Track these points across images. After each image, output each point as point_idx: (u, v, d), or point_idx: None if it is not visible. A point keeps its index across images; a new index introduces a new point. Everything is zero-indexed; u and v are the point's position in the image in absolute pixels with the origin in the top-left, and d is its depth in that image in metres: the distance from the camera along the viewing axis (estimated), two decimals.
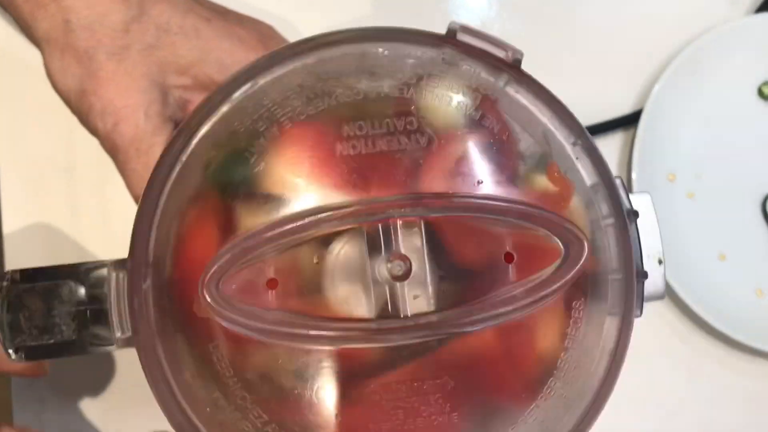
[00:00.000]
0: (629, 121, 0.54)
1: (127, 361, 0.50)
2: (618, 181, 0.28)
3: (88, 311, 0.29)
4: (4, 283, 0.29)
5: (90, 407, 0.50)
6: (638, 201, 0.32)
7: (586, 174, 0.28)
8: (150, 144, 0.36)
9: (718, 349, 0.53)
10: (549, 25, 0.55)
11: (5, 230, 0.51)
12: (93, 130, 0.38)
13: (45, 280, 0.29)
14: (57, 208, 0.51)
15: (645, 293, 0.31)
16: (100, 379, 0.50)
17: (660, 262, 0.32)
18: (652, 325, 0.53)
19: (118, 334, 0.28)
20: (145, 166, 0.37)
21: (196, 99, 0.38)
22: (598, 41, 0.55)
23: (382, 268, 0.25)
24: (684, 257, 0.52)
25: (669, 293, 0.53)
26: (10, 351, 0.29)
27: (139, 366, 0.49)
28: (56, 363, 0.50)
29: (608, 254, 0.28)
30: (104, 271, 0.29)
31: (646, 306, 0.52)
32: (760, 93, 0.55)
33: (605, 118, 0.53)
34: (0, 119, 0.52)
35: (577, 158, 0.28)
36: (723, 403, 0.53)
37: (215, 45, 0.38)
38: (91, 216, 0.51)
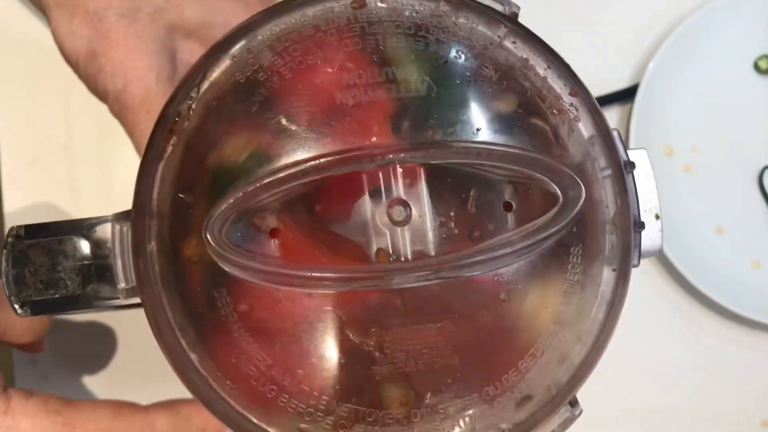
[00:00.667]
0: (626, 96, 0.54)
1: (129, 336, 0.51)
2: (615, 133, 0.29)
3: (92, 266, 0.29)
4: (9, 239, 0.29)
5: (92, 383, 0.51)
6: (635, 156, 0.33)
7: (584, 126, 0.28)
8: (159, 106, 0.37)
9: (715, 322, 0.54)
10: (545, 0, 0.56)
11: (6, 208, 0.51)
12: (102, 92, 0.38)
13: (49, 236, 0.29)
14: (57, 184, 0.52)
15: (642, 248, 0.31)
16: (102, 354, 0.51)
17: (657, 216, 0.32)
18: (650, 297, 0.54)
19: (123, 285, 0.28)
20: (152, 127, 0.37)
21: None
22: (594, 16, 0.56)
23: (383, 214, 0.25)
24: (681, 230, 0.53)
25: (666, 266, 0.53)
26: (16, 306, 0.29)
27: (141, 339, 0.50)
28: (58, 339, 0.50)
29: (605, 204, 0.28)
30: (107, 226, 0.29)
31: (643, 279, 0.53)
32: (756, 67, 0.55)
33: (602, 93, 0.54)
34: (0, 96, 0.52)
35: (574, 109, 0.28)
36: (720, 375, 0.54)
37: (221, 7, 0.38)
38: (90, 192, 0.51)
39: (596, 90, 0.54)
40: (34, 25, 0.52)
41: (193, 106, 0.27)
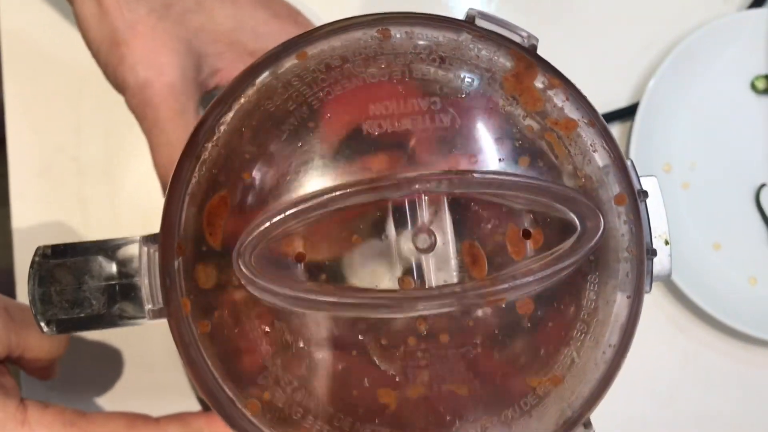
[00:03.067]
0: (626, 114, 0.55)
1: (135, 349, 0.51)
2: (629, 163, 0.30)
3: (117, 286, 0.30)
4: (36, 258, 0.30)
5: (98, 394, 0.51)
6: (645, 184, 0.34)
7: (599, 156, 0.29)
8: (183, 106, 0.36)
9: (713, 337, 0.55)
10: (545, 20, 0.57)
11: (14, 219, 0.51)
12: (120, 84, 0.38)
13: (75, 256, 0.30)
14: (65, 196, 0.52)
15: (653, 272, 0.32)
16: (107, 366, 0.51)
17: (666, 242, 0.33)
18: (649, 312, 0.54)
19: (149, 306, 0.29)
20: (174, 126, 0.37)
21: (228, 67, 0.39)
22: (594, 35, 0.57)
23: (408, 242, 0.26)
24: (679, 246, 0.54)
25: (665, 281, 0.54)
26: (42, 324, 0.30)
27: (146, 353, 0.50)
28: (66, 356, 0.50)
29: (621, 233, 0.29)
30: (133, 247, 0.30)
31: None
32: (753, 87, 0.56)
33: (603, 111, 0.55)
34: (11, 107, 0.52)
35: (591, 139, 0.29)
36: (718, 389, 0.55)
37: (251, 14, 0.38)
38: (98, 203, 0.52)
39: (597, 108, 0.55)
40: (46, 37, 0.53)
41: (222, 131, 0.27)
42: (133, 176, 0.52)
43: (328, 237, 0.26)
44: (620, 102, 0.56)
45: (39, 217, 0.52)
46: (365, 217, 0.26)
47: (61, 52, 0.52)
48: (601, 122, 0.29)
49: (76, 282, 0.30)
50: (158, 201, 0.30)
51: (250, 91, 0.27)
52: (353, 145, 0.27)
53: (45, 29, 0.53)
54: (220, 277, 0.27)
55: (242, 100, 0.27)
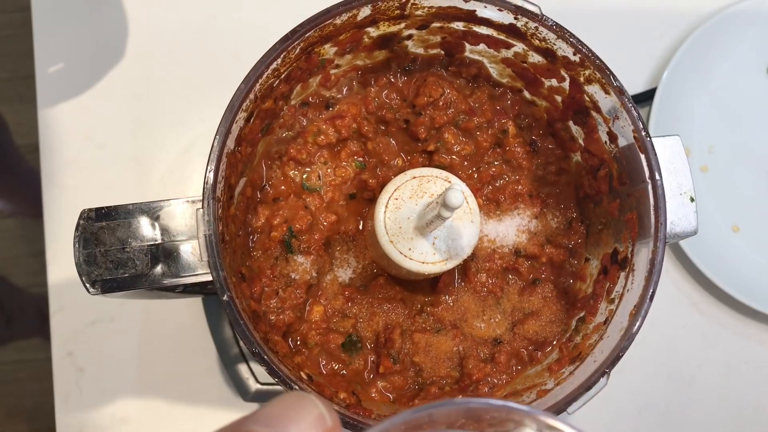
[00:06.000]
0: (644, 99, 0.56)
1: (158, 334, 0.52)
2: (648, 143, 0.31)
3: (159, 246, 0.31)
4: (81, 221, 0.31)
5: (124, 375, 0.52)
6: (668, 143, 0.35)
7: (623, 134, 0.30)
8: None
9: (733, 318, 0.55)
10: (562, 8, 0.57)
11: (45, 205, 0.52)
12: None
13: (118, 218, 0.31)
14: (93, 183, 0.53)
15: (679, 229, 0.33)
16: (132, 349, 0.52)
17: (692, 199, 0.34)
18: (669, 294, 0.55)
19: (192, 264, 0.30)
20: None
21: None
22: (611, 23, 0.58)
23: None
24: (699, 228, 0.54)
25: (685, 263, 0.55)
26: (87, 285, 0.31)
27: (169, 337, 0.51)
28: (93, 335, 0.51)
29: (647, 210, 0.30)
30: (175, 208, 0.31)
31: (663, 276, 0.54)
32: None
33: None
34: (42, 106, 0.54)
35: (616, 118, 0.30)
36: (737, 369, 0.55)
37: None
38: (125, 189, 0.53)
39: None
40: (75, 27, 0.54)
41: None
42: (160, 164, 0.53)
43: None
44: (638, 87, 0.57)
45: (69, 203, 0.53)
46: None
47: (90, 43, 0.54)
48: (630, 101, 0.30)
49: (120, 243, 0.31)
50: None
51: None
52: None
53: (72, 19, 0.55)
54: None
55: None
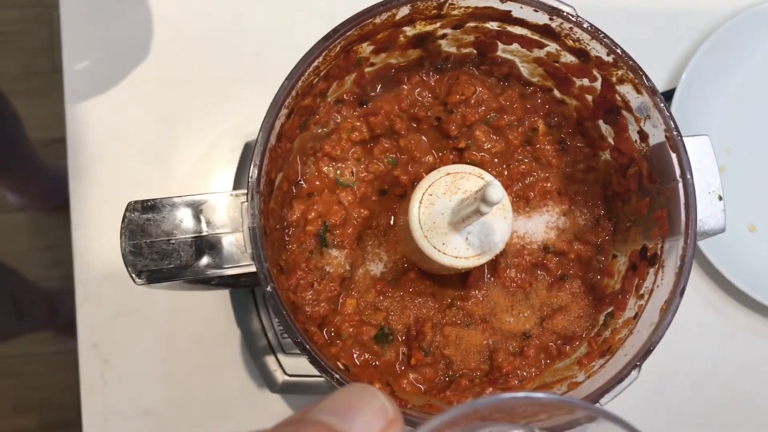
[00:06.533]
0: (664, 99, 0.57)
1: (181, 327, 0.53)
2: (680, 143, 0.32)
3: (203, 238, 0.32)
4: (127, 213, 0.32)
5: (149, 367, 0.53)
6: (698, 142, 0.36)
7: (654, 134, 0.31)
8: None
9: (749, 317, 0.56)
10: (582, 9, 0.58)
11: (72, 200, 0.53)
12: None
13: (164, 210, 0.32)
14: (119, 178, 0.54)
15: (707, 227, 0.34)
16: (156, 342, 0.53)
17: (720, 198, 0.35)
18: (685, 293, 0.56)
19: (236, 256, 0.31)
20: None
21: None
22: (630, 23, 0.58)
23: None
24: None
25: (702, 263, 0.56)
26: (134, 275, 0.31)
27: (193, 330, 0.52)
28: (119, 327, 0.52)
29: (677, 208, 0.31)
30: (219, 201, 0.32)
31: None
32: None
33: None
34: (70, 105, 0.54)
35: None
36: (755, 369, 0.56)
37: None
38: (151, 184, 0.54)
39: None
40: (101, 25, 0.55)
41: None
42: (184, 159, 0.54)
43: None
44: (657, 87, 0.57)
45: (95, 198, 0.53)
46: None
47: (115, 40, 0.54)
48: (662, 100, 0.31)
49: (165, 235, 0.31)
50: None
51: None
52: None
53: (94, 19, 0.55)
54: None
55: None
